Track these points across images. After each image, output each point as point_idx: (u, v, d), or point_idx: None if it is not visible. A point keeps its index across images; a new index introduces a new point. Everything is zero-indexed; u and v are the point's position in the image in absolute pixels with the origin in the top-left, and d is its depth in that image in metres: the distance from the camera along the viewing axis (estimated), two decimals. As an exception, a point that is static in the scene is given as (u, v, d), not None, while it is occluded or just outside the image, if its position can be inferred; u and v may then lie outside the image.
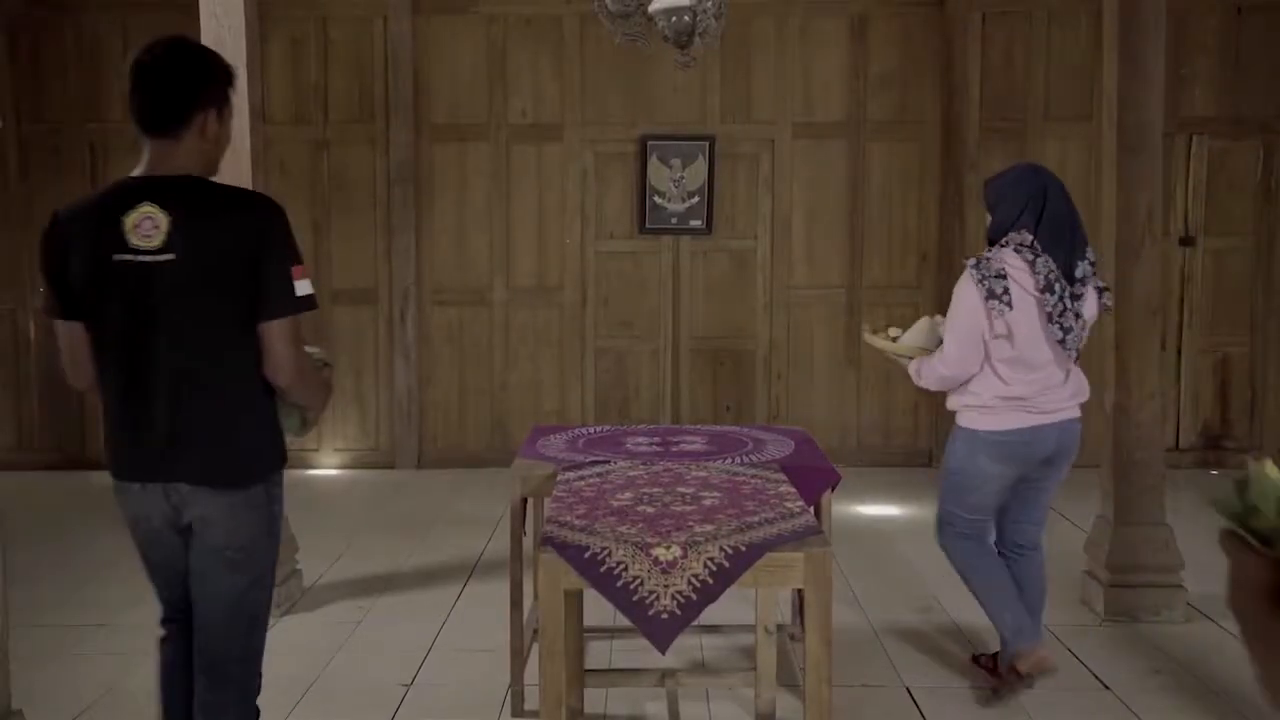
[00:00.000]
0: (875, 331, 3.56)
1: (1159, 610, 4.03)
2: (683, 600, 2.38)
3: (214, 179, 2.36)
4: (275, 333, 2.27)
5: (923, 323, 3.48)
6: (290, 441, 2.50)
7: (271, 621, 4.07)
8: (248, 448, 2.35)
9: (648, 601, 2.39)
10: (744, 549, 2.38)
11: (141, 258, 2.21)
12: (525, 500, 3.32)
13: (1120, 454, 4.07)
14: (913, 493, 5.93)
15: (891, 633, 3.97)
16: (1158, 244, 4.06)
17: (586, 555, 2.38)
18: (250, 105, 4.09)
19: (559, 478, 3.02)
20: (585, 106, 6.55)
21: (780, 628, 3.57)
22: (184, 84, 2.32)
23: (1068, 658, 3.76)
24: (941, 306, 6.32)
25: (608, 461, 3.16)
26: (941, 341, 3.36)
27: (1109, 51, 4.05)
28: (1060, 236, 3.18)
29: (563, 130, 6.55)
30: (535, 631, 2.81)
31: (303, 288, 2.29)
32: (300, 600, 4.35)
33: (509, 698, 3.39)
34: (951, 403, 3.39)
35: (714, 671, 3.60)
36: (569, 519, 2.59)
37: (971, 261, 3.23)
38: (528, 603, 3.36)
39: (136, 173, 2.31)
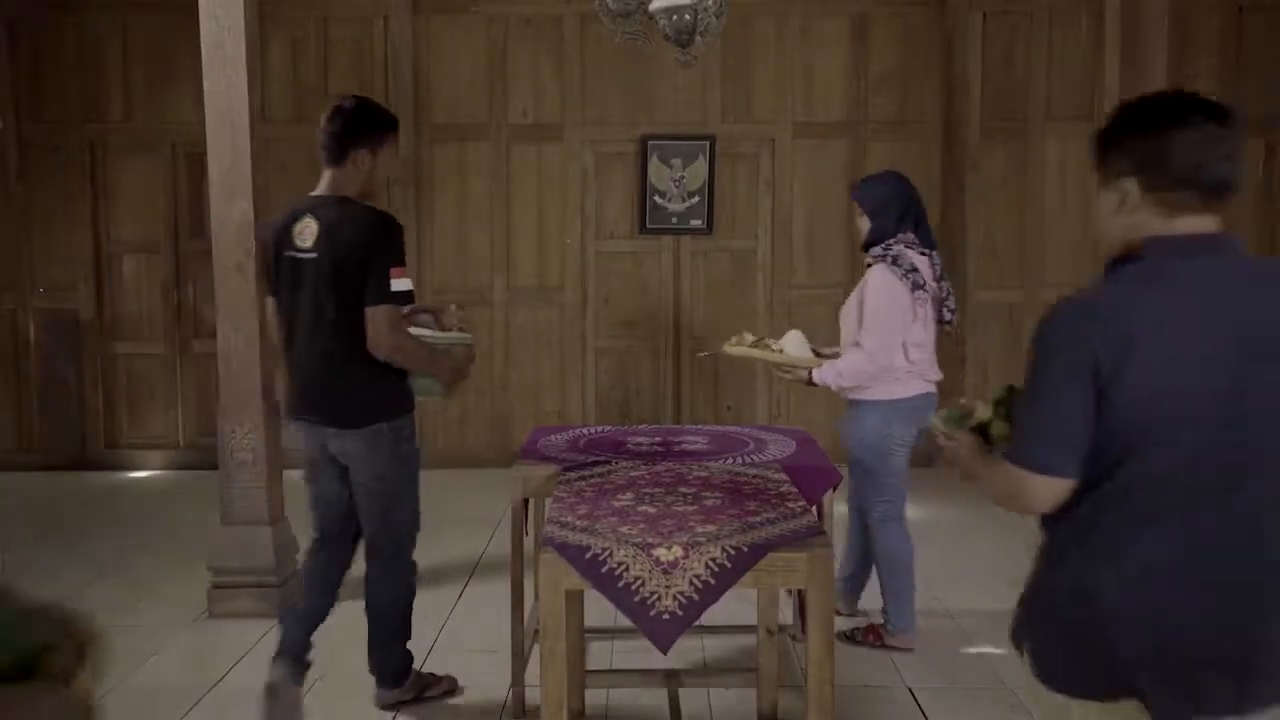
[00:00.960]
0: (754, 344, 3.89)
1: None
2: (684, 601, 2.37)
3: (368, 200, 3.14)
4: (371, 316, 2.98)
5: (792, 336, 3.84)
6: (438, 404, 3.45)
7: (272, 622, 4.07)
8: (362, 397, 3.10)
9: (649, 602, 2.38)
10: (746, 549, 2.37)
11: (300, 254, 3.07)
12: (526, 501, 3.31)
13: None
14: (913, 493, 5.90)
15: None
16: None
17: (588, 556, 2.37)
18: (250, 105, 4.08)
19: (560, 478, 3.01)
20: (585, 106, 6.54)
21: (782, 628, 3.56)
22: (344, 129, 3.10)
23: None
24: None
25: (609, 462, 3.15)
26: (815, 351, 3.80)
27: (1110, 50, 4.04)
28: (929, 237, 3.77)
29: (563, 130, 6.54)
30: (536, 632, 2.80)
31: (398, 285, 3.00)
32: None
33: (510, 698, 3.38)
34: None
35: (716, 672, 3.60)
36: (570, 519, 2.58)
37: (889, 259, 3.62)
38: (529, 603, 3.35)
39: (314, 193, 3.15)
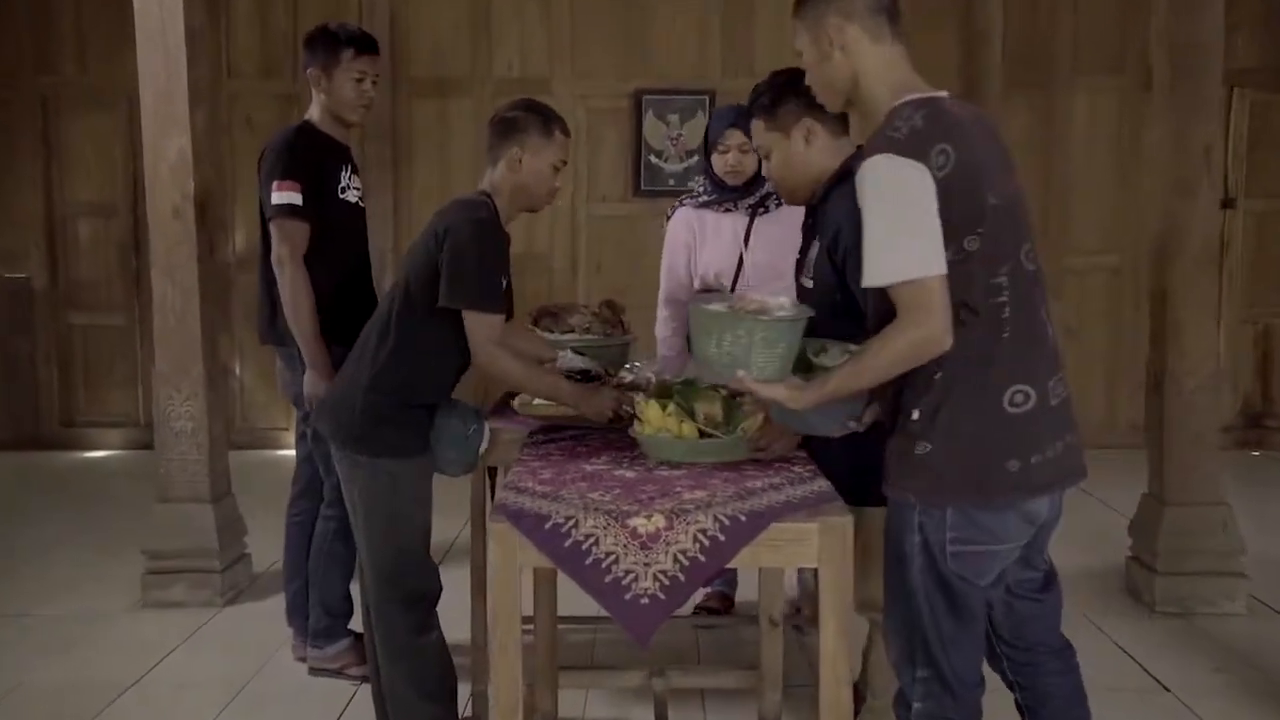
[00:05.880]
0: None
1: (1217, 601, 3.55)
2: (667, 582, 1.92)
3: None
4: None
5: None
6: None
7: (213, 612, 3.64)
8: None
9: (624, 583, 1.92)
10: (743, 518, 1.91)
11: None
12: (492, 470, 2.87)
13: (1172, 424, 3.59)
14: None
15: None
16: (1216, 186, 3.59)
17: (548, 526, 1.91)
18: (186, 26, 3.59)
19: (526, 440, 2.55)
20: (576, 58, 6.12)
21: (787, 616, 3.09)
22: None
23: (1117, 655, 3.28)
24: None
25: (587, 428, 2.67)
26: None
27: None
28: None
29: (551, 84, 6.09)
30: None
31: None
32: (248, 589, 3.88)
33: (472, 701, 2.92)
34: None
35: (710, 668, 3.14)
36: (530, 485, 2.12)
37: None
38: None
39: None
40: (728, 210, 3.18)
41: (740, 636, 3.35)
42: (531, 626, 2.83)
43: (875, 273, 1.78)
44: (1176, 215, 3.55)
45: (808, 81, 2.02)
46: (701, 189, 3.25)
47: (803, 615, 3.35)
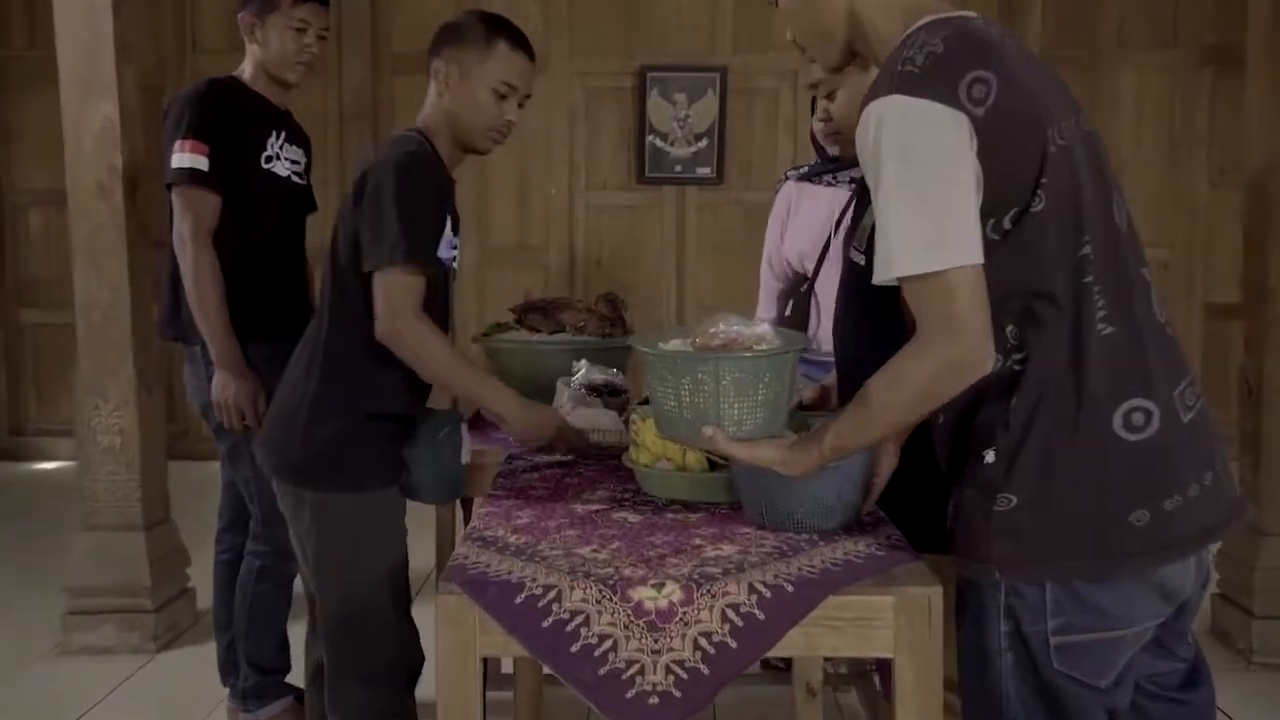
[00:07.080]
0: None
1: (1330, 649, 3.04)
2: (684, 675, 1.40)
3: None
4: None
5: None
6: None
7: (145, 659, 3.16)
8: None
9: (625, 676, 1.40)
10: (790, 587, 1.39)
11: None
12: (467, 501, 2.37)
13: (1273, 440, 3.08)
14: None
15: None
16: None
17: (520, 599, 1.39)
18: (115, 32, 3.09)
19: (502, 468, 2.02)
20: (574, 32, 5.67)
21: (826, 676, 2.56)
22: None
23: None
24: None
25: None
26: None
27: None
28: None
29: (548, 61, 5.61)
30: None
31: None
32: (189, 629, 3.36)
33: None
34: None
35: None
36: (500, 534, 1.60)
37: None
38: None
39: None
40: (829, 184, 2.61)
41: (764, 697, 2.82)
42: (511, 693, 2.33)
43: (881, 263, 1.28)
44: (1277, 193, 3.04)
45: (791, 37, 1.54)
46: (816, 159, 2.74)
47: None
